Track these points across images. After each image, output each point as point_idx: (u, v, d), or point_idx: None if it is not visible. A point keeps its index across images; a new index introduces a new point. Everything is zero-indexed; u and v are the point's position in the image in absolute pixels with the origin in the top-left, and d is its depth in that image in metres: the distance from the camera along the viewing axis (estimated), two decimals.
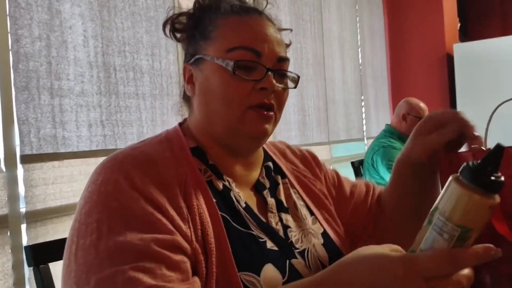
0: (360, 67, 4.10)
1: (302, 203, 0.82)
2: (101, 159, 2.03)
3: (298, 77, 0.78)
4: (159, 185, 0.64)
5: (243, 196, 0.74)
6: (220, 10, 0.76)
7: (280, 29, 0.81)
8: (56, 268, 1.47)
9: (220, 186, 0.72)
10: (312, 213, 0.82)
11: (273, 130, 0.75)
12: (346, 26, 3.91)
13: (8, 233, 1.49)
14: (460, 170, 0.47)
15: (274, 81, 0.72)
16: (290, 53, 2.94)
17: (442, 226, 0.47)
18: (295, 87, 0.78)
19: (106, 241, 0.58)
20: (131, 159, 0.66)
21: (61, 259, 0.93)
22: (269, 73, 0.71)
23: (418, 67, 4.47)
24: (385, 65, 4.59)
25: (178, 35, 0.80)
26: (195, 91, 0.76)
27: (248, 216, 0.72)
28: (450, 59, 4.34)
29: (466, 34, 5.65)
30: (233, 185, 0.74)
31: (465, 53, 4.18)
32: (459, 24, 4.90)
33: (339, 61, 3.73)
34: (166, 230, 0.60)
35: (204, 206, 0.67)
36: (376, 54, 4.41)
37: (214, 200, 0.69)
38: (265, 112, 0.72)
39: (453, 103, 4.16)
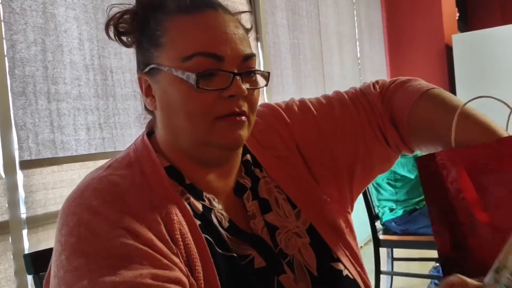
0: (359, 61, 4.09)
1: (283, 196, 0.76)
2: (100, 162, 2.02)
3: (268, 73, 0.69)
4: (138, 219, 0.59)
5: (226, 211, 0.70)
6: (165, 9, 0.66)
7: (236, 13, 0.70)
8: None
9: (200, 208, 0.67)
10: (295, 206, 0.75)
11: (248, 134, 0.67)
12: (344, 20, 3.89)
13: (10, 239, 1.49)
14: None
15: (243, 86, 0.63)
16: (287, 49, 2.93)
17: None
18: (266, 85, 0.69)
19: (101, 285, 0.53)
20: (98, 194, 0.60)
21: None
22: (237, 77, 0.63)
23: (417, 59, 4.45)
24: (383, 58, 4.57)
25: (125, 38, 0.71)
26: (156, 105, 0.68)
27: (231, 237, 0.68)
28: (449, 50, 4.32)
29: (466, 24, 5.63)
30: (214, 202, 0.69)
31: (464, 43, 4.16)
32: (457, 15, 4.88)
33: (337, 56, 3.72)
34: (163, 266, 0.56)
35: (189, 235, 0.62)
36: (374, 48, 4.39)
37: (198, 223, 0.65)
38: (237, 118, 0.64)
39: (452, 94, 4.14)
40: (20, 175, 1.54)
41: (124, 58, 1.90)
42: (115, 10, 0.70)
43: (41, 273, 0.90)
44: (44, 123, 1.60)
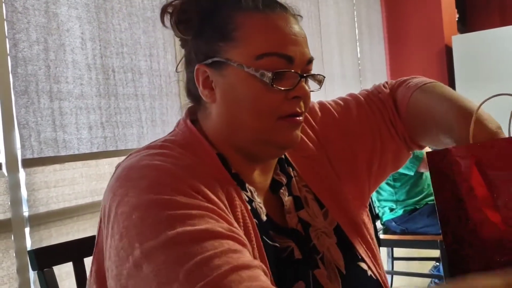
0: (359, 62, 4.10)
1: (311, 196, 0.78)
2: (102, 161, 2.01)
3: (324, 77, 0.73)
4: (207, 186, 0.60)
5: (263, 205, 0.71)
6: (240, 4, 0.67)
7: (297, 15, 0.72)
8: (61, 271, 1.48)
9: (245, 196, 0.68)
10: (322, 206, 0.77)
11: None
12: (344, 21, 3.90)
13: (12, 237, 1.50)
14: None
15: (307, 88, 0.67)
16: None
17: None
18: (319, 89, 0.73)
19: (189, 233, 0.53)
20: (168, 160, 0.61)
21: (64, 262, 0.94)
22: (302, 79, 0.66)
23: (417, 60, 4.46)
24: (383, 58, 4.58)
25: (181, 26, 0.69)
26: (215, 98, 0.67)
27: (271, 229, 0.69)
28: (449, 51, 4.33)
29: (466, 25, 5.64)
30: (255, 194, 0.70)
31: (464, 44, 4.17)
32: (457, 16, 4.89)
33: (338, 56, 3.73)
34: (230, 223, 0.58)
35: (246, 215, 0.64)
36: (374, 48, 4.40)
37: (249, 207, 0.66)
38: (297, 119, 0.67)
39: None
40: (22, 173, 1.54)
41: (126, 58, 1.91)
42: None
43: (45, 269, 0.91)
44: (46, 121, 1.61)
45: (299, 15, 0.73)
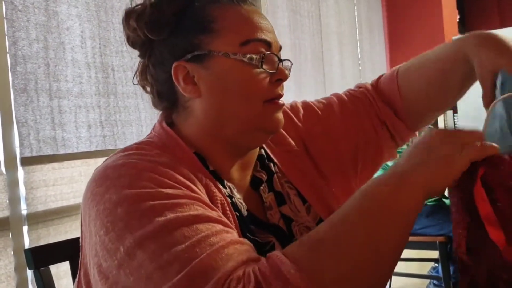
0: (359, 62, 4.09)
1: (294, 191, 0.78)
2: (100, 160, 2.02)
3: (292, 64, 0.76)
4: (188, 179, 0.61)
5: (244, 201, 0.72)
6: None
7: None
8: (59, 269, 1.48)
9: (224, 191, 0.69)
10: (305, 201, 0.78)
11: None
12: (345, 21, 3.90)
13: (10, 235, 1.50)
14: None
15: (286, 71, 0.71)
16: (288, 49, 2.93)
17: None
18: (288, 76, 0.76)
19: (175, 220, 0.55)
20: (144, 160, 0.61)
21: (61, 261, 0.94)
22: (281, 63, 0.70)
23: None
24: (384, 59, 4.58)
25: (154, 27, 0.68)
26: (199, 93, 0.67)
27: (252, 223, 0.70)
28: None
29: (465, 27, 5.63)
30: (234, 191, 0.71)
31: None
32: (458, 17, 4.88)
33: (338, 56, 3.73)
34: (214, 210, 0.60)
35: (227, 208, 0.65)
36: (375, 48, 4.39)
37: (230, 201, 0.67)
38: (280, 103, 0.70)
39: None
40: (21, 171, 1.54)
41: (126, 56, 1.91)
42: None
43: (41, 268, 0.90)
44: (46, 120, 1.61)
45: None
